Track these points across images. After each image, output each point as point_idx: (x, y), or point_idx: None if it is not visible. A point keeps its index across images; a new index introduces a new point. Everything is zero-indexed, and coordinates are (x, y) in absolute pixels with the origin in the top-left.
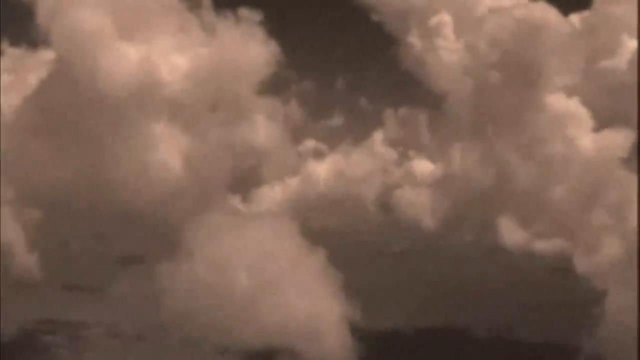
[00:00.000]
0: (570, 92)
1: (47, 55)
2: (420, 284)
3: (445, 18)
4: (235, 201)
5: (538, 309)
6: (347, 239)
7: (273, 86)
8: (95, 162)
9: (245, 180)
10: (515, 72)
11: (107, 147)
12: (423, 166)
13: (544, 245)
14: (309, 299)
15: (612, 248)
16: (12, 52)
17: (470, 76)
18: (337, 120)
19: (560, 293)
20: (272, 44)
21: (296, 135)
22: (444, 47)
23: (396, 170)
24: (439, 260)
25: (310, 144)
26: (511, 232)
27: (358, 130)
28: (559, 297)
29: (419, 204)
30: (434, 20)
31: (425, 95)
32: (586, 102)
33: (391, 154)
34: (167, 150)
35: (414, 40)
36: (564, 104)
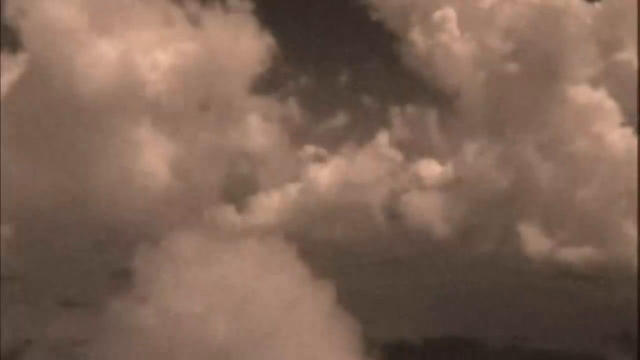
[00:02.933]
0: (595, 83)
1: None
2: (431, 292)
3: (449, 12)
4: (229, 211)
5: (559, 319)
6: (352, 248)
7: (268, 83)
8: (72, 172)
9: (239, 189)
10: (534, 63)
11: (84, 155)
12: (431, 168)
13: (571, 254)
14: (312, 356)
15: None
16: None
17: (483, 70)
18: (339, 120)
19: (586, 302)
20: (266, 36)
21: (295, 137)
22: (450, 42)
23: (403, 174)
24: (452, 268)
25: (310, 146)
26: (534, 240)
27: (362, 131)
28: (583, 306)
29: (429, 210)
30: (437, 16)
31: (433, 92)
32: (613, 94)
33: (398, 155)
34: (152, 157)
35: (417, 36)
36: (588, 97)
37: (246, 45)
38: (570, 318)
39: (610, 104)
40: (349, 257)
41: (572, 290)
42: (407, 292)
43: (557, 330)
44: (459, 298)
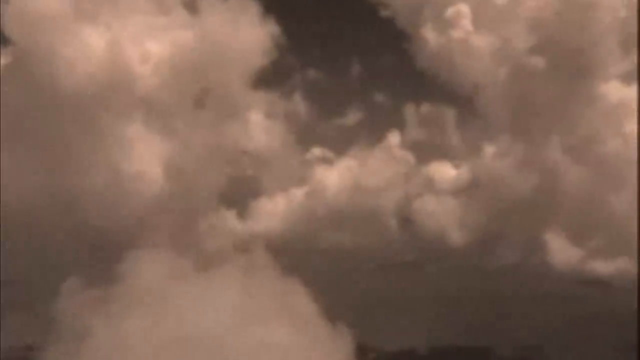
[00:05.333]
0: (627, 79)
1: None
2: (443, 302)
3: (462, 8)
4: (230, 217)
5: (576, 329)
6: (362, 255)
7: (272, 77)
8: (57, 174)
9: (240, 192)
10: (560, 58)
11: (70, 155)
12: (444, 171)
13: (602, 266)
14: None
15: None
16: None
17: (504, 66)
18: (349, 118)
19: (606, 312)
20: (269, 24)
21: (301, 136)
22: (466, 37)
23: (417, 176)
24: (468, 277)
25: (317, 147)
26: (561, 251)
27: (373, 130)
28: (603, 317)
29: (443, 216)
30: (450, 12)
31: (450, 90)
32: None
33: (410, 157)
34: (144, 158)
35: (429, 33)
36: (620, 94)
37: (248, 34)
38: (588, 329)
39: None
40: (357, 265)
41: (592, 300)
42: (417, 301)
43: (573, 341)
44: (473, 307)
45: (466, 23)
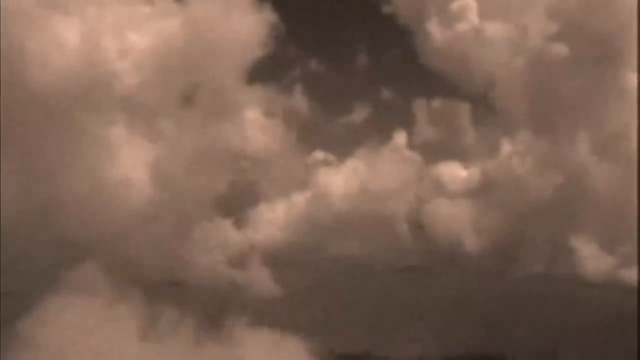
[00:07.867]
0: None
1: None
2: (456, 310)
3: (468, 1)
4: (226, 227)
5: (595, 335)
6: (370, 263)
7: (269, 70)
8: (32, 182)
9: (237, 199)
10: (586, 46)
11: (43, 159)
12: (453, 172)
13: (635, 274)
14: None
15: None
16: None
17: (522, 56)
18: (354, 115)
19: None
20: (266, 11)
21: (302, 135)
22: (480, 24)
23: (428, 178)
24: (480, 282)
25: (320, 149)
26: (590, 258)
27: (381, 128)
28: (623, 323)
29: (456, 220)
30: (455, 5)
31: (462, 84)
32: None
33: (422, 157)
34: (128, 163)
35: (434, 28)
36: None
37: (242, 23)
38: (606, 336)
39: None
40: (365, 272)
41: (611, 306)
42: (427, 308)
43: (589, 348)
44: (487, 314)
45: (473, 15)
